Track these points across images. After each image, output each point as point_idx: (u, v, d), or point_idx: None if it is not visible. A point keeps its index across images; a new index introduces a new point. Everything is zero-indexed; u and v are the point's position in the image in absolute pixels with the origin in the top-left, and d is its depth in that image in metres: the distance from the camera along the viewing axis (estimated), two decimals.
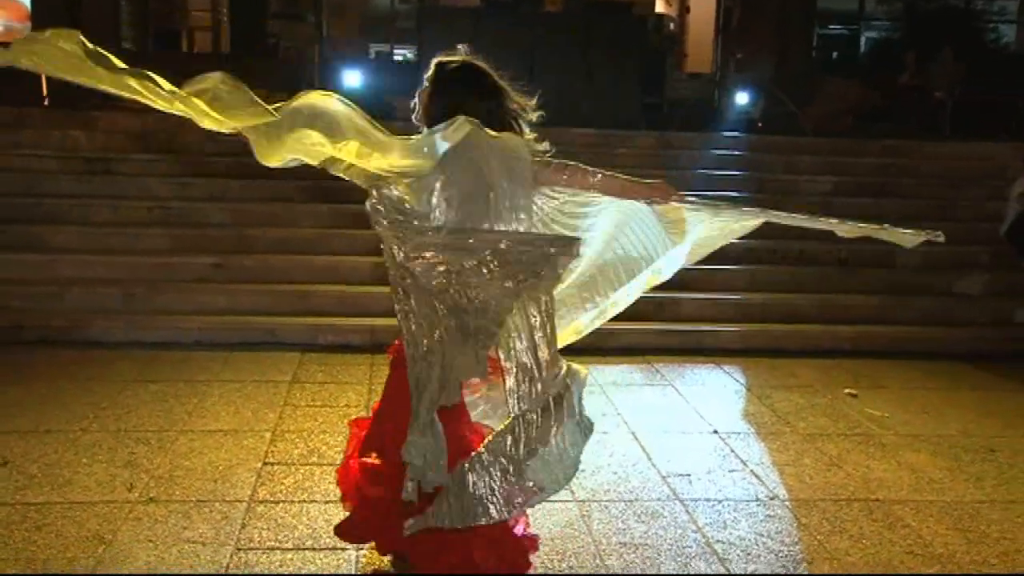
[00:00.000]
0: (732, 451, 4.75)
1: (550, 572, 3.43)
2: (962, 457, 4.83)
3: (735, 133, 10.05)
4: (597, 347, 6.47)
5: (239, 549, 3.47)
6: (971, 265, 7.86)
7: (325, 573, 3.34)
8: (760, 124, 10.65)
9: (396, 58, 16.95)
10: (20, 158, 8.00)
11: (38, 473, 4.07)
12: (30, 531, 3.53)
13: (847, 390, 5.87)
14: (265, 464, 4.29)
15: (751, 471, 4.50)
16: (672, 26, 19.23)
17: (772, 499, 4.19)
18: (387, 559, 3.30)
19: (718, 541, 3.73)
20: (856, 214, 8.25)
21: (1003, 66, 14.45)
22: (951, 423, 5.37)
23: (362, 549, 3.44)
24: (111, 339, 6.21)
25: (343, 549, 3.44)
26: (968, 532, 3.94)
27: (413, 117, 3.10)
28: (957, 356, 6.78)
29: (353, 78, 11.71)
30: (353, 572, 3.34)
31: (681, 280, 7.16)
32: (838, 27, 17.17)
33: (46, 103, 9.61)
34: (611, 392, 5.63)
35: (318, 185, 7.54)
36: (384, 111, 7.57)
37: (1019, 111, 11.84)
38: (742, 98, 10.88)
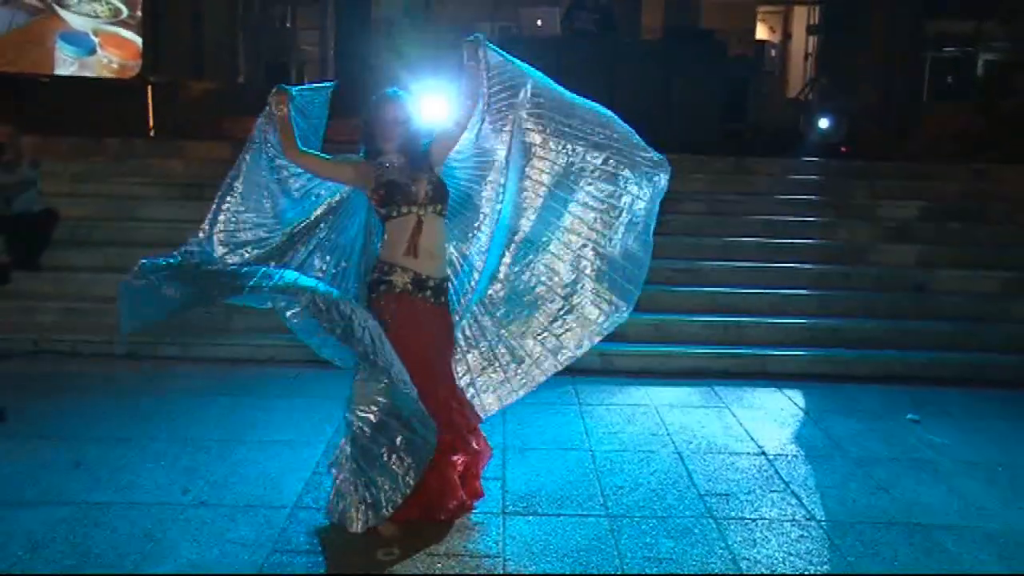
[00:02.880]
0: (776, 472, 4.73)
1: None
2: (1020, 487, 4.68)
3: (815, 159, 9.91)
4: (658, 370, 6.57)
5: (276, 551, 3.67)
6: None
7: (350, 572, 3.51)
8: (844, 150, 10.46)
9: None
10: (122, 185, 8.55)
11: (105, 476, 4.39)
12: (88, 527, 3.82)
13: (910, 416, 5.74)
14: (315, 474, 4.49)
15: (792, 492, 4.47)
16: (773, 53, 19.12)
17: (809, 520, 4.16)
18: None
19: (744, 559, 3.74)
20: (941, 240, 8.19)
21: None
22: (1016, 453, 5.20)
23: (392, 554, 3.60)
24: (190, 355, 6.58)
25: (377, 548, 3.60)
26: (1011, 560, 3.84)
27: None
28: None
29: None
30: (382, 574, 3.50)
31: (748, 304, 7.26)
32: (953, 49, 16.64)
33: (151, 134, 10.26)
34: (664, 413, 5.66)
35: None
36: None
37: None
38: (824, 123, 10.71)
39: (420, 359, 3.64)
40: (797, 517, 4.19)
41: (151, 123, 10.44)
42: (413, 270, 3.71)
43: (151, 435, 4.97)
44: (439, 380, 3.82)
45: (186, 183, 8.55)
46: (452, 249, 4.03)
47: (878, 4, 13.07)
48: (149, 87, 10.96)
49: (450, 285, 3.98)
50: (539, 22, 10.05)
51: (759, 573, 3.63)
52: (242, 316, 6.94)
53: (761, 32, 19.16)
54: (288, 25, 18.86)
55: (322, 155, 3.90)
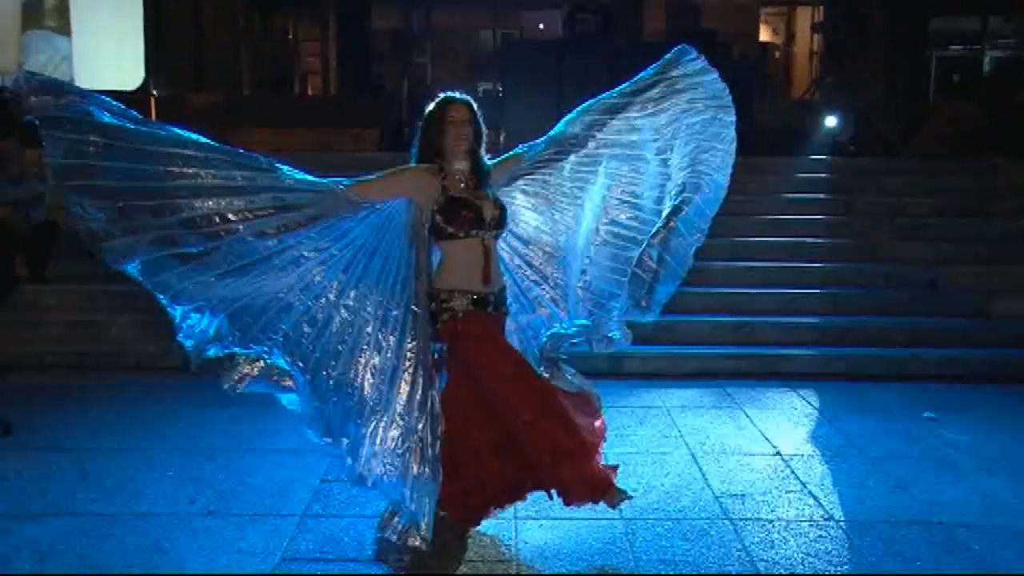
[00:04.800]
0: (792, 472, 4.65)
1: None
2: None
3: (824, 157, 9.85)
4: (668, 371, 6.50)
5: (285, 559, 3.61)
6: None
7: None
8: (852, 148, 10.39)
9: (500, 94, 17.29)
10: None
11: (112, 487, 4.34)
12: (96, 539, 3.76)
13: (927, 414, 5.66)
14: (323, 481, 4.43)
15: (809, 492, 4.39)
16: (777, 54, 19.09)
17: (827, 520, 4.08)
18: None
19: (761, 560, 3.66)
20: (952, 236, 8.12)
21: None
22: None
23: (402, 561, 3.52)
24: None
25: (389, 554, 3.53)
26: None
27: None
28: None
29: None
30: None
31: (758, 304, 7.19)
32: (958, 47, 16.60)
33: None
34: (676, 415, 5.58)
35: None
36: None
37: None
38: (831, 122, 10.64)
39: (500, 372, 3.49)
40: (815, 517, 4.11)
41: None
42: (474, 292, 3.46)
43: (158, 445, 4.92)
44: (527, 392, 3.51)
45: None
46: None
47: (881, 3, 13.01)
48: (152, 99, 10.95)
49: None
50: (541, 25, 10.02)
51: (778, 574, 3.55)
52: None
53: (764, 34, 19.13)
54: (290, 36, 18.87)
55: (372, 179, 3.44)
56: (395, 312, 3.37)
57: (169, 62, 12.54)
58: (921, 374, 6.55)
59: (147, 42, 10.64)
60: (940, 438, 5.25)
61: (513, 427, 3.45)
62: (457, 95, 3.53)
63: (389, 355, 3.35)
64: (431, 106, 3.52)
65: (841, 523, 4.06)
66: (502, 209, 3.54)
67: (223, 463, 4.66)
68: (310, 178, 3.33)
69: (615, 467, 3.73)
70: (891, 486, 4.50)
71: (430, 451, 3.28)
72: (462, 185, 3.48)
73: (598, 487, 3.52)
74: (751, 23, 18.38)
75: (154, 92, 11.04)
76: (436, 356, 3.50)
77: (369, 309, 3.39)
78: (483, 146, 3.56)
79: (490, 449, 3.56)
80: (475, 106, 3.53)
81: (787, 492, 4.39)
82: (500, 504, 3.73)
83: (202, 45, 14.21)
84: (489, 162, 3.61)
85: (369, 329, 3.39)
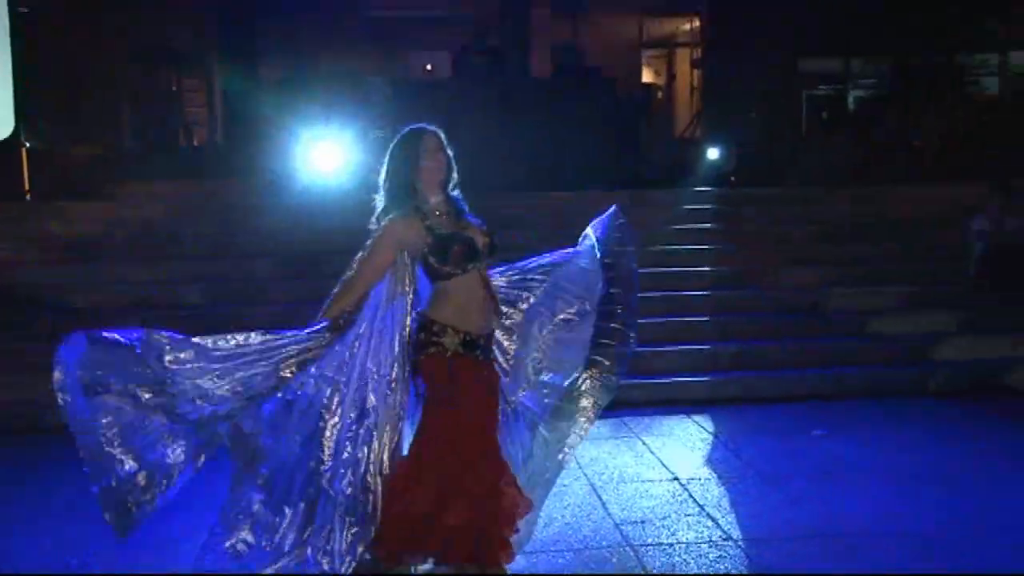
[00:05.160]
0: (691, 496, 4.68)
1: None
2: (925, 489, 4.73)
3: (708, 188, 10.15)
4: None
5: None
6: (939, 305, 7.79)
7: None
8: (733, 179, 10.76)
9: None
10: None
11: None
12: None
13: (817, 431, 5.79)
14: (211, 535, 4.22)
15: (707, 514, 4.42)
16: (660, 94, 19.67)
17: (726, 540, 4.11)
18: None
19: None
20: (833, 260, 8.43)
21: (986, 114, 14.65)
22: (918, 458, 5.27)
23: None
24: None
25: None
26: (928, 558, 3.87)
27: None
28: (930, 394, 6.71)
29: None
30: None
31: (650, 334, 7.26)
32: (826, 88, 17.74)
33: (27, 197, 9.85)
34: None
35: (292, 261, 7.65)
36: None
37: (997, 155, 11.87)
38: (713, 154, 11.01)
39: (474, 424, 3.26)
40: (714, 538, 4.13)
41: (27, 187, 10.00)
42: (466, 331, 3.23)
43: (40, 508, 4.64)
44: (487, 452, 3.30)
45: (66, 246, 8.22)
46: None
47: (754, 45, 13.56)
48: (24, 150, 10.51)
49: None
50: (429, 66, 10.06)
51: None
52: None
53: (647, 75, 19.69)
54: (174, 88, 18.48)
55: (350, 276, 3.25)
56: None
57: (44, 113, 12.10)
58: (809, 394, 6.71)
59: (16, 90, 10.22)
60: (830, 454, 5.37)
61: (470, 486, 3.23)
62: (425, 126, 3.35)
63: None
64: (398, 139, 3.33)
65: (740, 542, 4.09)
66: (491, 234, 3.33)
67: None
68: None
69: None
70: (787, 502, 4.57)
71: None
72: (444, 219, 3.28)
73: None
74: (634, 64, 18.89)
75: (26, 144, 10.58)
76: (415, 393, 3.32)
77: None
78: (453, 180, 3.37)
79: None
80: (443, 137, 3.34)
81: (686, 515, 4.41)
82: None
83: (78, 96, 13.77)
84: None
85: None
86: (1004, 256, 7.72)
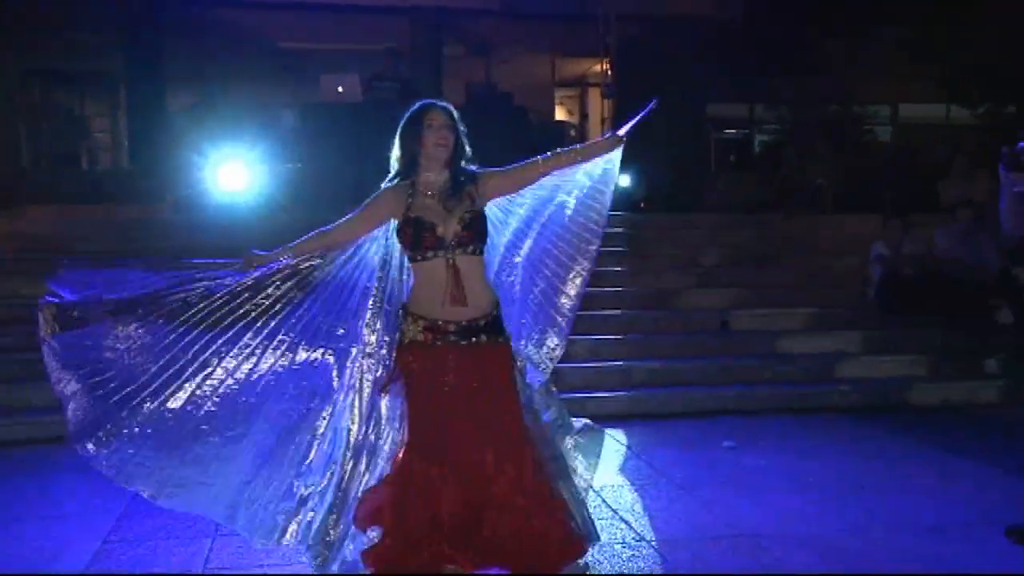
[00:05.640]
0: (604, 501, 4.66)
1: None
2: (828, 496, 4.81)
3: (620, 213, 10.30)
4: None
5: None
6: (843, 327, 8.01)
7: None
8: (642, 205, 10.96)
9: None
10: None
11: None
12: None
13: (726, 443, 5.86)
14: (105, 543, 4.03)
15: (620, 517, 4.41)
16: (572, 132, 19.97)
17: (639, 541, 4.10)
18: None
19: None
20: (741, 283, 8.61)
21: (879, 158, 15.48)
22: (820, 467, 5.36)
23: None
24: None
25: None
26: (830, 560, 3.90)
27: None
28: (834, 409, 6.85)
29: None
30: None
31: (568, 351, 7.24)
32: (733, 131, 18.46)
33: None
34: None
35: None
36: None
37: (888, 195, 12.47)
38: (624, 181, 11.20)
39: (429, 414, 3.25)
40: (627, 539, 4.12)
41: None
42: (432, 318, 3.18)
43: None
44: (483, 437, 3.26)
45: None
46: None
47: (663, 92, 13.92)
48: None
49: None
50: (340, 89, 9.97)
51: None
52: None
53: (560, 113, 19.97)
54: (76, 112, 17.94)
55: (345, 218, 3.32)
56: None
57: None
58: (718, 409, 6.78)
59: None
60: (739, 464, 5.43)
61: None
62: (436, 101, 3.33)
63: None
64: (407, 114, 3.30)
65: (652, 542, 4.08)
66: (471, 223, 3.20)
67: None
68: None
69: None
70: (697, 507, 4.59)
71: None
72: (429, 199, 3.22)
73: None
74: (547, 103, 19.13)
75: None
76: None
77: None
78: (464, 159, 3.31)
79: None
80: (456, 115, 3.31)
81: (599, 519, 4.34)
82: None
83: None
84: (495, 169, 3.38)
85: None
86: (901, 282, 7.99)
